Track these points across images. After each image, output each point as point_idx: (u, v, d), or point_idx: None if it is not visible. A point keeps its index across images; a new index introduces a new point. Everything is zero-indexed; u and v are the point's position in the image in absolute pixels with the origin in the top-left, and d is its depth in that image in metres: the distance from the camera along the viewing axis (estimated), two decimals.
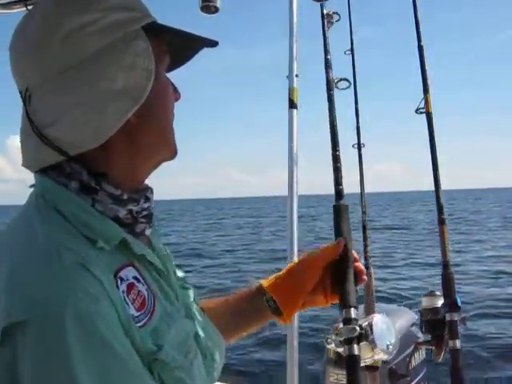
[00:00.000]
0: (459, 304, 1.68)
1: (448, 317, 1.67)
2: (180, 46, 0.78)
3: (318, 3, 1.38)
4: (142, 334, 0.64)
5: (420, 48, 1.91)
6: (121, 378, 0.60)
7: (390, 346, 0.93)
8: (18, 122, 0.73)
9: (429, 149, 1.83)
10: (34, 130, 0.68)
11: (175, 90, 0.80)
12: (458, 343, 1.64)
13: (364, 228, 2.62)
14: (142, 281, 0.70)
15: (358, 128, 2.64)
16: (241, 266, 13.94)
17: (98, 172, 0.70)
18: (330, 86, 1.20)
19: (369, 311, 2.42)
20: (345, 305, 0.92)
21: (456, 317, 1.66)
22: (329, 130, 1.13)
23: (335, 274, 0.96)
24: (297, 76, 2.04)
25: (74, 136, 0.67)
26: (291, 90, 2.01)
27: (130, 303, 0.65)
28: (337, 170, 1.08)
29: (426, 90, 1.87)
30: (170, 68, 0.81)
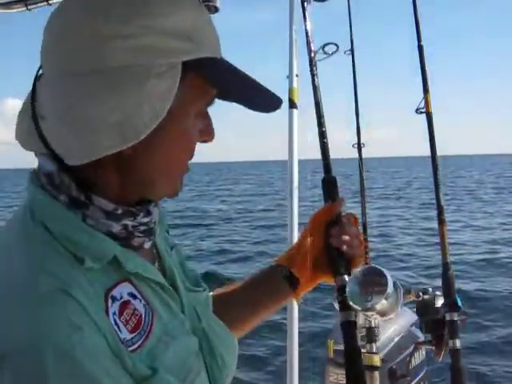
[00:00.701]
0: (459, 304, 1.68)
1: (448, 317, 1.67)
2: (235, 87, 0.69)
3: (318, 3, 1.38)
4: (135, 358, 0.60)
5: (420, 48, 1.91)
6: None
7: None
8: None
9: (429, 149, 1.83)
10: (34, 114, 0.62)
11: (208, 131, 0.71)
12: (458, 343, 1.64)
13: (364, 227, 2.62)
14: (140, 296, 0.66)
15: (358, 128, 2.64)
16: None
17: (89, 184, 0.64)
18: (312, 61, 1.22)
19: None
20: (337, 272, 0.93)
21: (456, 317, 1.66)
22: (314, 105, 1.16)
23: (327, 242, 0.96)
24: (297, 76, 2.04)
25: (58, 140, 0.60)
26: (291, 90, 2.01)
27: (122, 325, 0.61)
28: (323, 146, 1.13)
29: (425, 90, 1.87)
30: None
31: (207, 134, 0.71)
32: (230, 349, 0.81)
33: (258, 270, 1.06)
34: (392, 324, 2.70)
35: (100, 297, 0.61)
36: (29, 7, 1.75)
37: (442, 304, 1.72)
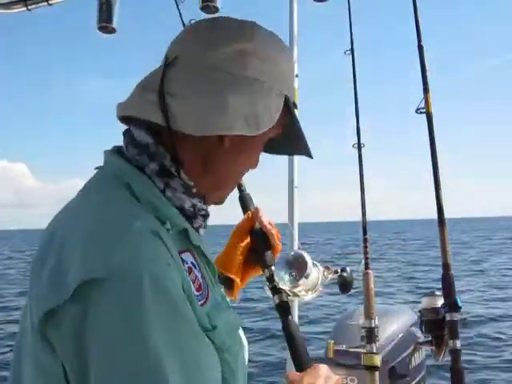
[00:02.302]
0: (459, 304, 1.68)
1: (448, 317, 1.67)
2: (283, 139, 0.85)
3: (318, 3, 1.38)
4: (201, 310, 0.69)
5: (420, 48, 1.91)
6: (188, 339, 0.63)
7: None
8: None
9: (429, 149, 1.83)
10: (161, 90, 0.73)
11: (257, 161, 0.86)
12: (457, 343, 1.64)
13: (364, 230, 2.61)
14: (198, 268, 0.75)
15: (357, 128, 2.64)
16: None
17: (179, 160, 0.75)
18: None
19: (368, 313, 2.42)
20: (264, 266, 1.08)
21: (456, 317, 1.66)
22: None
23: (252, 243, 1.12)
24: (297, 76, 2.05)
25: (185, 113, 0.72)
26: None
27: (191, 282, 0.69)
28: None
29: (426, 90, 1.87)
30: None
31: (256, 163, 0.87)
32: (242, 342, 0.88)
33: None
34: (392, 324, 2.71)
35: (176, 253, 0.69)
36: (29, 7, 1.75)
37: (442, 304, 1.72)
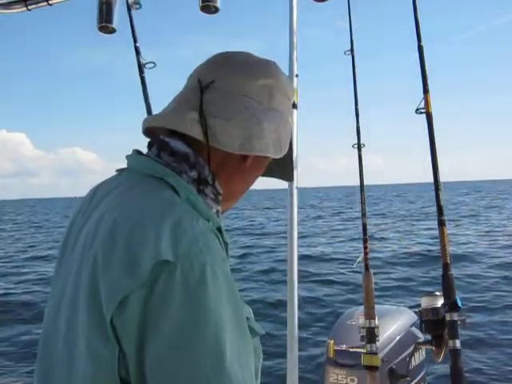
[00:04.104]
0: (459, 304, 1.68)
1: (448, 317, 1.67)
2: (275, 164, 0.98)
3: (318, 3, 1.38)
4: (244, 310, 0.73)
5: (420, 48, 1.91)
6: (245, 331, 0.69)
7: None
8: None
9: (429, 149, 1.83)
10: (200, 111, 0.82)
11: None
12: (457, 343, 1.64)
13: (364, 229, 2.62)
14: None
15: (357, 128, 2.64)
16: None
17: (212, 171, 0.84)
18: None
19: (368, 313, 2.42)
20: None
21: (456, 317, 1.66)
22: None
23: None
24: (297, 76, 2.04)
25: (225, 133, 0.81)
26: None
27: None
28: None
29: (425, 90, 1.87)
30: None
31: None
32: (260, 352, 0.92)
33: None
34: (392, 324, 2.71)
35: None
36: (29, 7, 1.76)
37: (442, 304, 1.72)
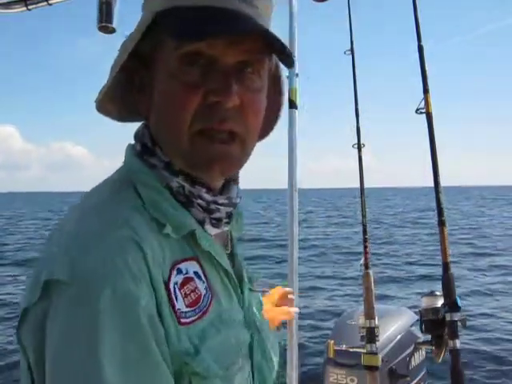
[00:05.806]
0: (459, 304, 1.68)
1: (448, 317, 1.67)
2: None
3: (318, 3, 1.38)
4: (183, 331, 0.62)
5: (420, 48, 1.91)
6: (136, 359, 0.57)
7: None
8: None
9: (429, 149, 1.83)
10: None
11: (217, 89, 0.65)
12: (457, 343, 1.64)
13: (364, 229, 2.62)
14: (204, 278, 0.69)
15: (357, 128, 2.64)
16: None
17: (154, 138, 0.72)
18: None
19: (368, 313, 2.42)
20: None
21: (456, 317, 1.66)
22: None
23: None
24: (297, 76, 2.04)
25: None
26: (291, 90, 2.01)
27: (180, 296, 0.64)
28: None
29: (425, 90, 1.87)
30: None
31: (216, 92, 0.65)
32: (276, 352, 0.84)
33: None
34: (392, 324, 2.71)
35: (167, 265, 0.64)
36: (29, 7, 1.75)
37: (442, 304, 1.72)
